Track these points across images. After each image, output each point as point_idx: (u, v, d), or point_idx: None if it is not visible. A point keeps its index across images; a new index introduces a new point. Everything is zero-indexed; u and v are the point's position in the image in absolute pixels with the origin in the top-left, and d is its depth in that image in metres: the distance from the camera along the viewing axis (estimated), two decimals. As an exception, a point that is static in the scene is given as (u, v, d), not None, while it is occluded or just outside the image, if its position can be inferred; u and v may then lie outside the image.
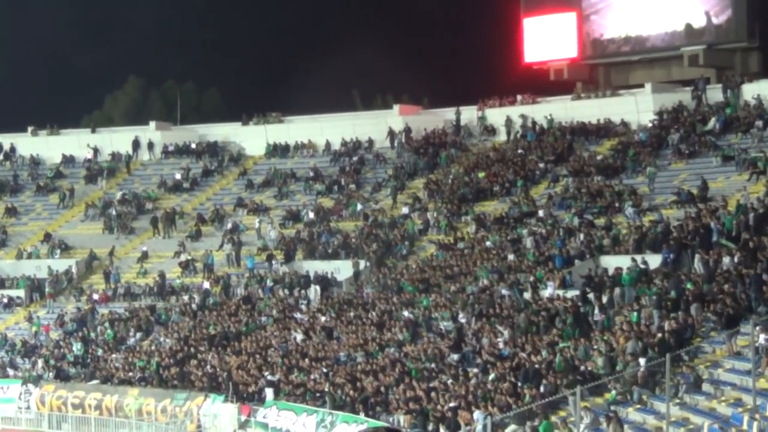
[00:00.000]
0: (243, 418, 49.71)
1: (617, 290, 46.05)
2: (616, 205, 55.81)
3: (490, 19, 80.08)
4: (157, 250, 70.28)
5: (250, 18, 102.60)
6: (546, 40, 71.93)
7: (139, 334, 60.58)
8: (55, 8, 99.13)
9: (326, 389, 47.49)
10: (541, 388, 40.31)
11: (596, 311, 44.94)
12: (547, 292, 48.50)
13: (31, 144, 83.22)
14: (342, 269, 60.72)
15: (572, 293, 47.35)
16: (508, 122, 69.30)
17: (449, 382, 43.86)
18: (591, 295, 46.09)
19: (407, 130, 72.36)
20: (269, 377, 50.49)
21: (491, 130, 70.69)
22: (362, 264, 60.11)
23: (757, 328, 36.33)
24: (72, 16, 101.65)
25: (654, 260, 47.96)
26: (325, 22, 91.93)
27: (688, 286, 43.19)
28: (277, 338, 54.56)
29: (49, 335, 64.18)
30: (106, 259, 70.04)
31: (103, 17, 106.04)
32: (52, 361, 60.42)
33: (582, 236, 52.78)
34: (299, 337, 53.82)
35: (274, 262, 63.57)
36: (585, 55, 71.48)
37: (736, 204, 49.52)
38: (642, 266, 46.81)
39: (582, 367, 40.85)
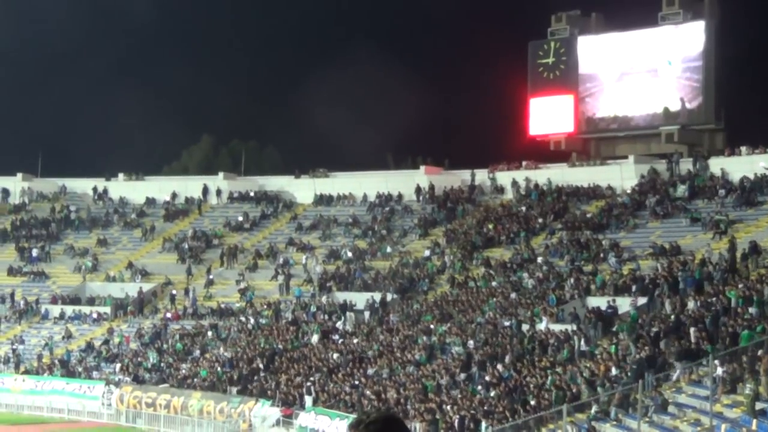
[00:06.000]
0: (284, 419, 49.89)
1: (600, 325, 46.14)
2: (602, 255, 55.81)
3: (503, 98, 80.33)
4: (221, 278, 70.66)
5: (303, 92, 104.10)
6: (548, 117, 72.05)
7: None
8: (150, 85, 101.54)
9: (354, 401, 47.52)
10: (533, 404, 40.33)
11: (582, 342, 44.94)
12: (542, 326, 48.51)
13: (119, 187, 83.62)
14: (372, 300, 60.63)
15: (562, 327, 47.35)
16: (514, 183, 69.47)
17: (458, 397, 43.91)
18: (578, 329, 46.18)
19: (431, 187, 72.55)
20: (309, 387, 50.57)
21: (500, 190, 70.80)
22: (389, 297, 60.23)
23: (716, 361, 36.35)
24: (156, 85, 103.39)
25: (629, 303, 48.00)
26: (367, 99, 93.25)
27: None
28: (317, 355, 54.67)
29: (129, 345, 64.49)
30: (178, 285, 70.45)
31: (185, 86, 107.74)
32: (131, 367, 60.69)
33: (572, 280, 52.76)
34: (335, 355, 53.92)
35: (317, 292, 63.72)
36: (580, 130, 71.58)
37: (701, 258, 49.49)
38: (609, 310, 46.96)
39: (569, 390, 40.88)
